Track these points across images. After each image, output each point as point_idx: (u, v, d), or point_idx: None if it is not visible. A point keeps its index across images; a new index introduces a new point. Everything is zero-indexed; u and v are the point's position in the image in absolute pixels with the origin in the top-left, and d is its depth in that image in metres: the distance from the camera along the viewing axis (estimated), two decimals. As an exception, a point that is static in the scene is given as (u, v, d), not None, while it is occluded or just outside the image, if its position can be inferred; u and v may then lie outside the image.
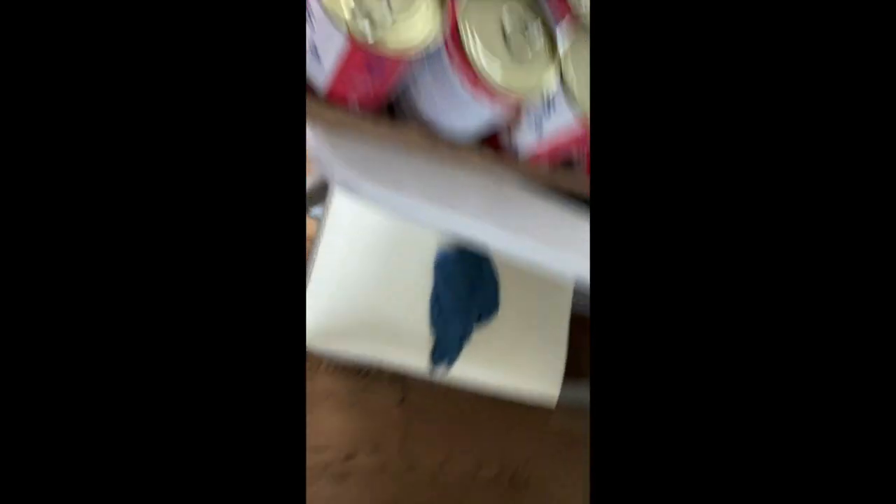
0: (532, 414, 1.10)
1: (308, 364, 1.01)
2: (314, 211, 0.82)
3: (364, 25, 0.33)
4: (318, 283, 0.65)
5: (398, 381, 1.05)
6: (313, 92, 0.40)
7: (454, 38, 0.36)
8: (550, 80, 0.39)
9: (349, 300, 0.65)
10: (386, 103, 0.44)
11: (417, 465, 1.03)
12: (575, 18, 0.39)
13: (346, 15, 0.33)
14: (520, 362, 0.73)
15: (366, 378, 1.02)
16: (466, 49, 0.36)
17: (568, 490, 1.15)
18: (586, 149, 0.45)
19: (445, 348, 0.66)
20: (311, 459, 0.96)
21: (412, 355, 0.67)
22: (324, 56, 0.36)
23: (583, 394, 0.81)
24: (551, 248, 0.49)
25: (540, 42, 0.39)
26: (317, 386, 1.00)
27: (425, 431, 1.05)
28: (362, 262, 0.67)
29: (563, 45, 0.39)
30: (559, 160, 0.48)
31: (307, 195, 0.74)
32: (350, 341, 0.65)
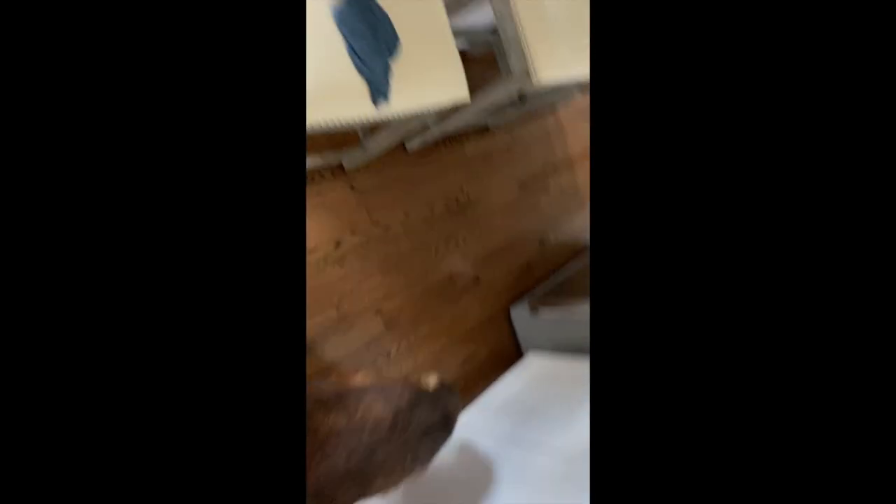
0: (451, 150, 1.45)
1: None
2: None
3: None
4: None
5: (340, 174, 1.21)
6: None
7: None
8: None
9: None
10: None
11: (389, 225, 1.30)
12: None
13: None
14: (433, 78, 0.81)
15: (313, 184, 1.16)
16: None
17: (495, 191, 1.56)
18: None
19: (378, 86, 0.73)
20: (311, 259, 1.14)
21: (358, 105, 0.73)
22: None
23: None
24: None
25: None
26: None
27: (381, 201, 1.29)
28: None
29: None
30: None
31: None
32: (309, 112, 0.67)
